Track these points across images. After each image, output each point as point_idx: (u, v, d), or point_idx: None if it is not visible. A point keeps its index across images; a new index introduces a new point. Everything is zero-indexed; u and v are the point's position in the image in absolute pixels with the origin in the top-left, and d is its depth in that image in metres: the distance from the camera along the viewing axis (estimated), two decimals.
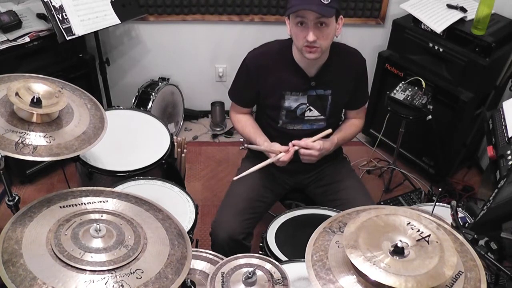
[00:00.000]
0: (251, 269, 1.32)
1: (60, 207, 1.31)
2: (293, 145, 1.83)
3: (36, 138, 1.39)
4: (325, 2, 1.66)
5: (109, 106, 3.07)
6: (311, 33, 1.68)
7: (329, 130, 1.91)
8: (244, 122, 2.02)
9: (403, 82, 2.63)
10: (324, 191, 2.04)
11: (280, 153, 1.82)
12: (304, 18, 1.68)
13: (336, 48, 1.84)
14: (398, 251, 1.08)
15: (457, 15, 2.59)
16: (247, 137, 2.00)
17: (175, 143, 2.26)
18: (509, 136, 1.80)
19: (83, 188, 1.41)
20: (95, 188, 1.43)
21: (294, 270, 1.50)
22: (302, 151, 1.83)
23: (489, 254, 1.35)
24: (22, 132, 1.38)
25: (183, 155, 2.31)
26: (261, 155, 1.93)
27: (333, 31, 1.74)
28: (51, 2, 2.39)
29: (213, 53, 3.20)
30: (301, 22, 1.70)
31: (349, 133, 2.02)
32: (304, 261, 1.18)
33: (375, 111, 3.07)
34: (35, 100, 1.41)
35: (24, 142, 1.36)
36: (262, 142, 1.91)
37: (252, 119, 2.05)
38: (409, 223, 1.15)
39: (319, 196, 2.05)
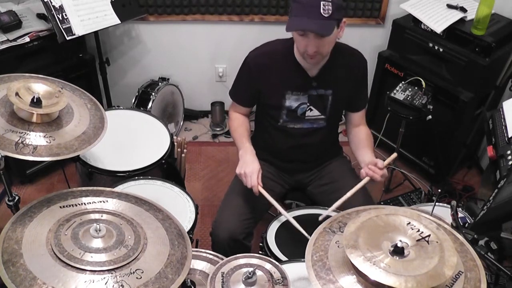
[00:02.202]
0: (251, 269, 1.32)
1: (60, 207, 1.31)
2: (367, 173, 1.76)
3: (36, 138, 1.39)
4: (325, 15, 1.64)
5: (109, 106, 3.07)
6: (311, 45, 1.68)
7: (395, 154, 1.88)
8: (241, 123, 2.01)
9: (403, 82, 2.63)
10: (324, 190, 2.03)
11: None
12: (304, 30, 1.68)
13: (338, 49, 1.84)
14: (398, 251, 1.08)
15: (457, 15, 2.59)
16: (235, 136, 1.98)
17: (175, 143, 2.26)
18: (509, 136, 1.80)
19: (83, 188, 1.41)
20: (95, 188, 1.43)
21: (294, 270, 1.50)
22: (372, 170, 1.76)
23: (489, 254, 1.35)
24: (22, 132, 1.38)
25: (183, 155, 2.31)
26: (265, 157, 1.93)
27: (335, 37, 1.73)
28: (51, 2, 2.39)
29: (213, 53, 3.20)
30: (302, 33, 1.69)
31: (371, 144, 2.00)
32: (304, 261, 1.18)
33: (375, 111, 3.07)
34: (35, 100, 1.41)
35: (24, 142, 1.36)
36: (245, 148, 1.88)
37: (248, 122, 2.04)
38: (409, 223, 1.15)
39: (319, 195, 2.05)
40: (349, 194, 1.72)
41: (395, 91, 2.57)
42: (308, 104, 1.90)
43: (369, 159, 1.83)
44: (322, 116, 1.94)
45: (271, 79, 1.87)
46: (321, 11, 1.63)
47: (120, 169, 1.96)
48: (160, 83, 3.05)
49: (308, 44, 1.69)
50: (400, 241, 1.10)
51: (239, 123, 2.00)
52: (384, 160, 1.79)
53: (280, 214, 1.90)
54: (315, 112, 1.93)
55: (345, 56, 1.86)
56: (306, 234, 1.67)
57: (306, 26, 1.65)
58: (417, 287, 1.01)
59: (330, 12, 1.64)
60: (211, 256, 1.67)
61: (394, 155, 1.86)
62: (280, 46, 1.89)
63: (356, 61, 1.93)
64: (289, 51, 1.86)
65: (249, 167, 1.79)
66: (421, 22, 2.66)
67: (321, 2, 1.62)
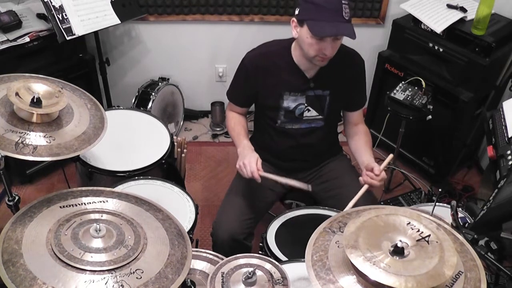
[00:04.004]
0: (251, 269, 1.32)
1: (60, 207, 1.31)
2: (365, 181, 1.76)
3: (36, 138, 1.39)
4: (347, 18, 1.66)
5: (109, 106, 3.07)
6: (329, 48, 1.70)
7: (391, 156, 1.87)
8: (238, 121, 2.01)
9: (403, 82, 2.63)
10: (325, 188, 2.03)
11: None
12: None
13: None
14: (398, 251, 1.08)
15: (457, 15, 2.59)
16: (233, 135, 1.99)
17: (175, 143, 2.26)
18: (509, 136, 1.80)
19: (83, 188, 1.41)
20: (95, 188, 1.43)
21: (294, 270, 1.50)
22: (370, 177, 1.75)
23: (489, 254, 1.35)
24: (22, 132, 1.38)
25: (183, 155, 2.31)
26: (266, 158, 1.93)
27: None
28: (51, 2, 2.39)
29: (213, 53, 3.20)
30: (319, 37, 1.68)
31: (370, 142, 2.00)
32: (304, 261, 1.18)
33: (375, 111, 3.07)
34: (35, 100, 1.41)
35: (24, 142, 1.36)
36: (243, 145, 1.88)
37: (245, 121, 2.04)
38: (409, 223, 1.15)
39: (320, 194, 2.04)
40: (350, 204, 1.68)
41: (395, 91, 2.57)
42: (305, 104, 1.90)
43: (367, 161, 1.83)
44: (320, 117, 1.94)
45: (268, 80, 1.87)
46: (343, 14, 1.65)
47: (120, 169, 1.96)
48: (160, 83, 3.05)
49: (325, 47, 1.69)
50: (400, 241, 1.09)
51: (236, 122, 2.00)
52: (381, 162, 1.78)
53: (279, 214, 1.91)
54: (313, 113, 1.93)
55: (342, 56, 1.86)
56: (306, 188, 1.70)
57: (339, 31, 1.66)
58: (417, 287, 1.01)
59: (349, 15, 1.66)
60: (211, 256, 1.67)
61: (390, 156, 1.86)
62: (277, 47, 1.89)
63: (353, 61, 1.93)
64: (286, 52, 1.86)
65: (247, 157, 1.79)
66: (421, 22, 2.66)
67: (343, 5, 1.64)
